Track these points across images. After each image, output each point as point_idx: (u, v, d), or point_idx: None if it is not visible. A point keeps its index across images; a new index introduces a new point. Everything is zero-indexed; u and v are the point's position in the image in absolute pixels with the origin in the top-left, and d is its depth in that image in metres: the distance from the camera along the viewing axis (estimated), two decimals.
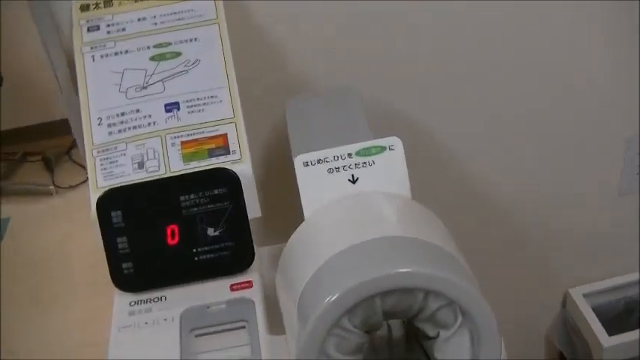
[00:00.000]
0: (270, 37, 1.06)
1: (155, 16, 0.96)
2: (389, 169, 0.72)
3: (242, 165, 0.82)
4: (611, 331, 1.40)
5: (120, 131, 0.85)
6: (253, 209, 0.80)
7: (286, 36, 1.06)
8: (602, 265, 1.49)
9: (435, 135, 1.22)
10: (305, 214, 0.71)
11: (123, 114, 0.86)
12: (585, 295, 1.45)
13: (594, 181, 1.39)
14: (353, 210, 0.69)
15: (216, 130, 0.86)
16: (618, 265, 1.51)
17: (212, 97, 0.89)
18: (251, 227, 0.79)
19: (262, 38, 1.06)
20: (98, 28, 0.93)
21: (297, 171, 0.71)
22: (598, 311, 1.44)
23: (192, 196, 0.79)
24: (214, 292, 0.76)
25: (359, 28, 1.08)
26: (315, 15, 1.05)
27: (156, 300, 0.77)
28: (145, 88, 0.90)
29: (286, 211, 0.80)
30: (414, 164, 0.75)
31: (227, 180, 0.79)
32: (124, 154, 0.83)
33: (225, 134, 0.86)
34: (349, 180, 0.71)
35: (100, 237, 0.76)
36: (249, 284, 0.77)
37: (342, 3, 1.05)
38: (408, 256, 0.59)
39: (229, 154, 0.84)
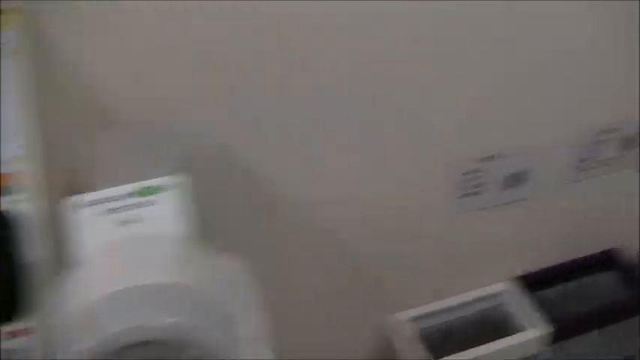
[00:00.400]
0: (79, 72, 1.03)
1: None
2: (167, 210, 0.71)
3: (30, 205, 0.78)
4: (437, 354, 1.44)
5: None
6: (37, 251, 0.76)
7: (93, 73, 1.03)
8: (429, 289, 1.53)
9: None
10: (74, 259, 0.68)
11: None
12: (409, 319, 1.48)
13: (421, 202, 1.42)
14: (116, 255, 0.67)
15: (6, 168, 0.82)
16: (445, 288, 1.55)
17: (3, 131, 0.85)
18: (37, 270, 0.75)
19: (69, 74, 1.03)
20: None
21: (68, 214, 0.69)
22: (423, 334, 1.47)
23: None
24: None
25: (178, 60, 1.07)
26: (132, 50, 1.03)
27: None
28: None
29: None
30: None
31: (6, 221, 0.75)
32: None
33: (15, 172, 0.82)
34: (124, 221, 0.69)
35: None
36: (28, 331, 0.73)
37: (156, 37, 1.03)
38: (157, 306, 0.58)
39: (17, 193, 0.80)
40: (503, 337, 1.50)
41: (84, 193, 0.73)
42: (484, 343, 1.48)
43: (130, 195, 0.71)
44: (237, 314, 0.61)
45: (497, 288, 1.59)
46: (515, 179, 1.48)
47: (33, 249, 0.74)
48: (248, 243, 1.10)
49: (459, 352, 1.46)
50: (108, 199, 0.71)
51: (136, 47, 1.03)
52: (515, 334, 1.50)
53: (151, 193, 0.71)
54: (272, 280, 1.20)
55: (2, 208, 0.75)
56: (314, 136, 1.24)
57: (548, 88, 1.39)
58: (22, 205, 0.76)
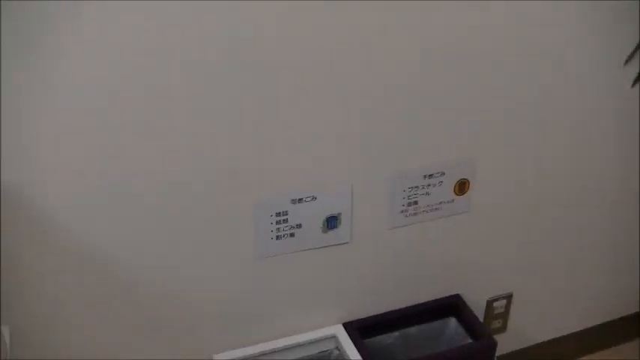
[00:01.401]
0: None
1: None
2: None
3: None
4: None
5: None
6: None
7: None
8: (244, 333, 1.48)
9: None
10: None
11: None
12: None
13: (229, 248, 1.39)
14: None
15: None
16: (260, 333, 1.50)
17: None
18: None
19: None
20: None
21: None
22: None
23: None
24: None
25: None
26: None
27: None
28: None
29: None
30: None
31: None
32: None
33: None
34: None
35: None
36: None
37: None
38: None
39: None
40: None
41: None
42: None
43: None
44: None
45: (326, 332, 1.54)
46: (335, 222, 1.44)
47: None
48: None
49: None
50: None
51: None
52: None
53: None
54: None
55: None
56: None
57: (365, 130, 1.37)
58: None
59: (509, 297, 1.77)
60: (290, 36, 1.21)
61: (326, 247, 1.47)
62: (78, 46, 1.09)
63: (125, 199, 1.25)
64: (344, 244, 1.48)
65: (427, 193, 1.51)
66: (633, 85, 1.59)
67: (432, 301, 1.66)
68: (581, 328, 1.95)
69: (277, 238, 1.42)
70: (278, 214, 1.40)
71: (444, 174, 1.50)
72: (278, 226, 1.41)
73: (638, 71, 1.58)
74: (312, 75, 1.27)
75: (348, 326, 1.57)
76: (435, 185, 1.50)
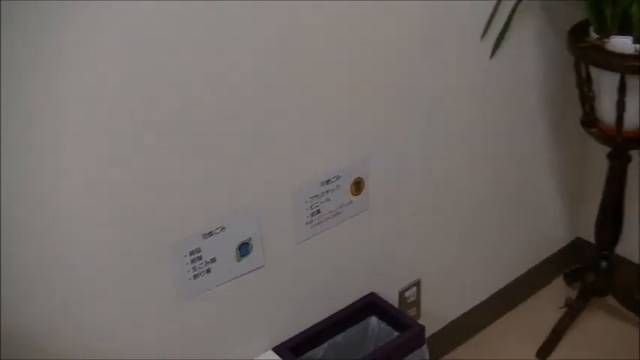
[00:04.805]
0: None
1: None
2: None
3: None
4: None
5: None
6: None
7: None
8: None
9: None
10: None
11: None
12: None
13: (152, 295, 1.34)
14: None
15: None
16: None
17: None
18: None
19: None
20: None
21: None
22: None
23: None
24: None
25: None
26: None
27: None
28: None
29: None
30: None
31: None
32: None
33: None
34: None
35: None
36: None
37: None
38: None
39: None
40: None
41: None
42: None
43: None
44: None
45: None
46: (247, 248, 1.42)
47: None
48: None
49: None
50: None
51: None
52: None
53: None
54: None
55: None
56: None
57: (255, 148, 1.37)
58: None
59: (417, 284, 1.82)
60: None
61: (243, 274, 1.45)
62: None
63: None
64: (260, 268, 1.47)
65: (328, 199, 1.52)
66: (492, 55, 1.68)
67: (351, 304, 1.67)
68: (492, 292, 2.02)
69: (195, 277, 1.38)
70: (192, 253, 1.36)
71: (340, 177, 1.52)
72: (193, 264, 1.37)
73: (494, 43, 1.67)
74: (200, 99, 1.26)
75: (278, 349, 1.56)
76: (333, 190, 1.52)
